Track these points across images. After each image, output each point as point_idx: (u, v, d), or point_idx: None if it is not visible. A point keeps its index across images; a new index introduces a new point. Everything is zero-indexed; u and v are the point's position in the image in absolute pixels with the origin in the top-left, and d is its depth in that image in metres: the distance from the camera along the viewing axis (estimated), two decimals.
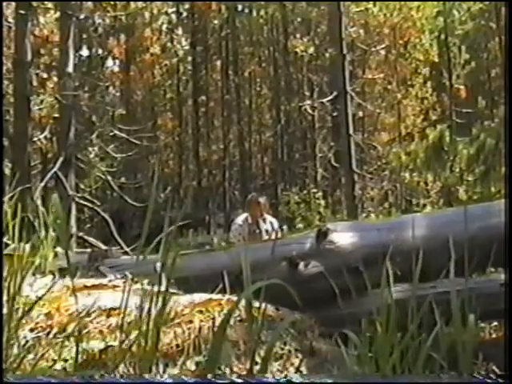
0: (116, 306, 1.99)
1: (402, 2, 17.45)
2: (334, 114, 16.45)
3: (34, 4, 11.85)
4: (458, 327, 1.70)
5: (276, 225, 6.02)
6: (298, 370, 2.09)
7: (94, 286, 2.38)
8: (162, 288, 1.73)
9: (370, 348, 1.75)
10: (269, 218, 5.95)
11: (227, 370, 1.91)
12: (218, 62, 23.46)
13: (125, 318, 1.78)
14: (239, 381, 1.36)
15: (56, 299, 2.11)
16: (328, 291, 2.55)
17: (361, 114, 18.71)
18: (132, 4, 17.81)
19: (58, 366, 1.77)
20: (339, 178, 18.10)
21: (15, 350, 1.78)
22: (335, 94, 12.77)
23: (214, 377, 1.42)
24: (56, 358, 1.80)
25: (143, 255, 1.86)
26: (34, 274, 2.33)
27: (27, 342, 1.86)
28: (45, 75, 13.53)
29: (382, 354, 1.70)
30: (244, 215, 5.94)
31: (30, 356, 1.78)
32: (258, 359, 1.83)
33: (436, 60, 17.84)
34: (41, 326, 1.96)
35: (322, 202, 15.85)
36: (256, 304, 2.26)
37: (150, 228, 1.82)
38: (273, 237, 5.60)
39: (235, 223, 5.94)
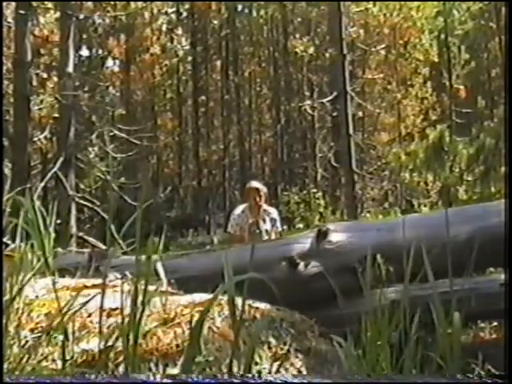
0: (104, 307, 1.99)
1: (402, 2, 17.46)
2: (334, 114, 16.44)
3: (34, 4, 11.85)
4: (444, 327, 1.71)
5: (275, 214, 5.85)
6: (296, 369, 2.09)
7: (93, 286, 2.37)
8: (154, 287, 1.73)
9: (368, 348, 1.75)
10: (268, 208, 5.86)
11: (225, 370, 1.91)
12: (218, 62, 23.47)
13: (118, 318, 1.78)
14: (237, 381, 1.36)
15: (56, 299, 2.10)
16: (328, 291, 2.55)
17: (361, 114, 18.72)
18: (132, 4, 17.82)
19: (56, 366, 1.77)
20: (339, 178, 18.10)
21: (15, 350, 1.78)
22: (335, 94, 12.76)
23: (216, 377, 1.42)
24: (56, 358, 1.80)
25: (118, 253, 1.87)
26: (34, 274, 2.32)
27: (27, 341, 1.86)
28: (45, 75, 13.54)
29: (375, 353, 1.70)
30: (242, 206, 5.85)
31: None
32: (257, 359, 1.83)
33: (436, 60, 17.86)
34: (41, 326, 1.96)
35: (322, 202, 15.83)
36: (255, 303, 2.26)
37: (149, 228, 1.82)
38: (273, 236, 5.56)
39: (233, 213, 5.87)
